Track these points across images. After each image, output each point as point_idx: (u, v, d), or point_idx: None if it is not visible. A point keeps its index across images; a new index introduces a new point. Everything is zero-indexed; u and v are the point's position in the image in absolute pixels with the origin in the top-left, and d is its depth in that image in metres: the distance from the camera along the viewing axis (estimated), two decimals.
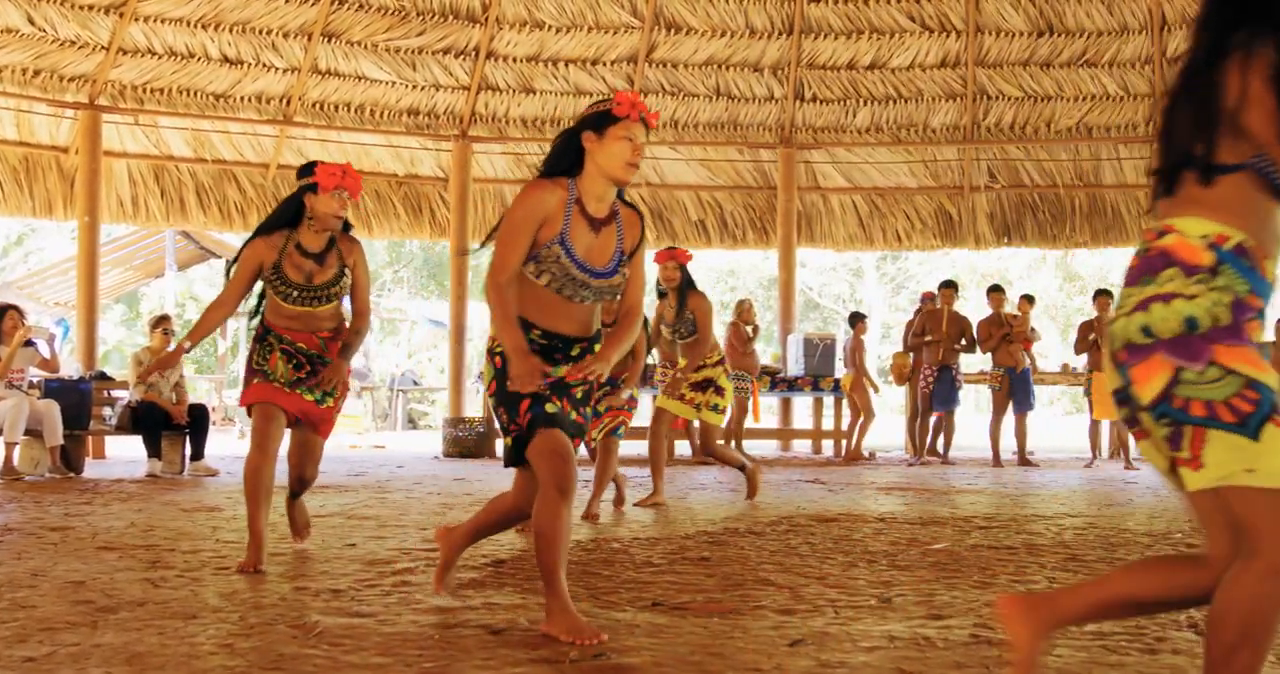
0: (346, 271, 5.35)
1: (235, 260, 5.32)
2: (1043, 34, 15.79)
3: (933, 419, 13.70)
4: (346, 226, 5.40)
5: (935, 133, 16.44)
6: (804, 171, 16.80)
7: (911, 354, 13.99)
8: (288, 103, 15.24)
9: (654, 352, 8.67)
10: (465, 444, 13.81)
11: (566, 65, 15.88)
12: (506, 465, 3.92)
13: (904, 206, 17.01)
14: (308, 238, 5.28)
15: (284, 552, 5.47)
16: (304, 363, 5.29)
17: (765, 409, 15.02)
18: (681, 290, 8.29)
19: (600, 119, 3.82)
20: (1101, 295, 13.63)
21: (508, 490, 4.10)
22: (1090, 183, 16.70)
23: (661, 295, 8.41)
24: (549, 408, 3.74)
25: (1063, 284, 40.46)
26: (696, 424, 10.29)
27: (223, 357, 28.00)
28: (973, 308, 18.80)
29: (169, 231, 22.41)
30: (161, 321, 11.15)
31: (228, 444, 16.13)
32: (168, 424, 10.76)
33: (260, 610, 4.05)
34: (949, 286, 13.77)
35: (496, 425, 4.31)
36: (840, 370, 14.64)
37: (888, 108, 16.34)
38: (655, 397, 8.74)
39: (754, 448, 15.03)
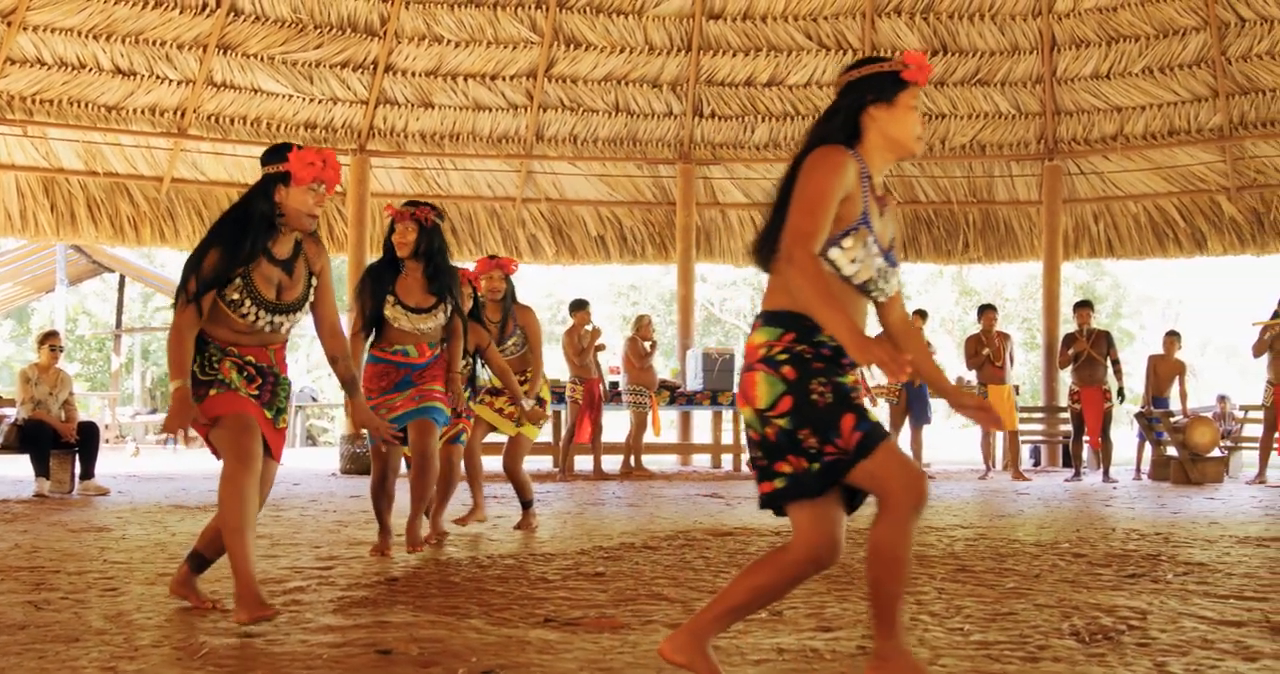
0: (314, 283, 4.51)
1: (196, 267, 4.30)
2: (936, 53, 16.06)
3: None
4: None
5: None
6: (703, 187, 16.92)
7: None
8: (182, 115, 15.04)
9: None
10: (363, 461, 13.67)
11: (465, 80, 15.85)
12: (784, 501, 3.05)
13: None
14: (275, 240, 4.41)
15: (174, 572, 5.37)
16: (254, 376, 4.41)
17: (666, 424, 15.08)
18: (506, 303, 7.56)
19: (888, 83, 3.23)
20: (988, 310, 13.87)
21: (781, 547, 3.14)
22: (983, 199, 17.01)
23: (481, 307, 7.33)
24: (872, 417, 3.04)
25: (959, 298, 41.07)
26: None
27: (116, 373, 27.48)
28: (872, 323, 18.98)
29: (60, 246, 22.02)
30: (49, 337, 10.93)
31: (119, 462, 15.84)
32: (56, 442, 10.53)
33: (145, 632, 3.99)
34: None
35: (765, 454, 3.08)
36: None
37: (785, 124, 16.51)
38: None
39: (653, 462, 15.07)
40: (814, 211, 3.01)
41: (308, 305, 4.50)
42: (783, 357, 3.06)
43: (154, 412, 27.97)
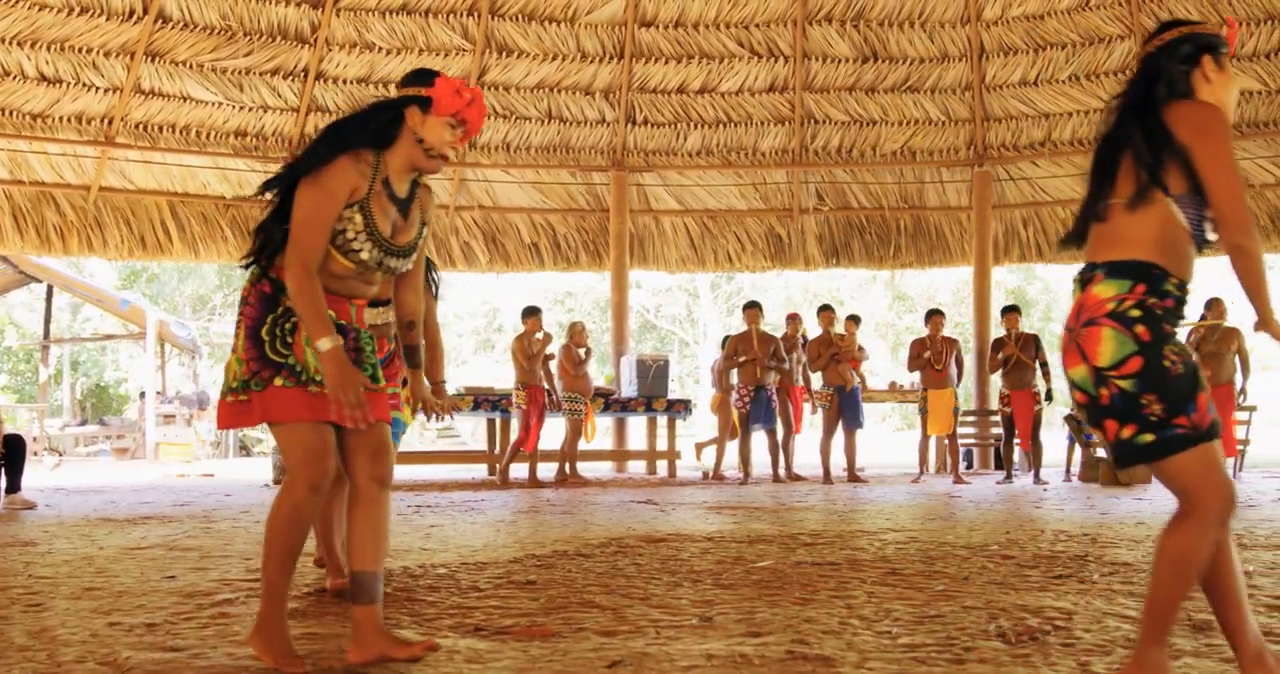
0: (425, 231, 3.86)
1: (310, 175, 3.58)
2: (867, 60, 16.20)
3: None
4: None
5: (764, 156, 16.74)
6: (636, 194, 16.95)
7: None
8: (109, 123, 14.87)
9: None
10: None
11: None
12: (1151, 458, 2.91)
13: (734, 229, 17.27)
14: (394, 173, 3.72)
15: (100, 586, 5.32)
16: None
17: (601, 430, 15.07)
18: None
19: (1218, 44, 3.15)
20: (935, 315, 13.99)
21: (1174, 516, 2.98)
22: (914, 205, 17.15)
23: None
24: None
25: (892, 303, 41.40)
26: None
27: (44, 385, 27.08)
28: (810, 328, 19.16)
29: None
30: None
31: (47, 476, 15.63)
32: None
33: (69, 648, 3.94)
34: (754, 307, 13.92)
35: (1089, 418, 3.00)
36: (675, 392, 14.75)
37: (718, 131, 16.59)
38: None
39: (588, 469, 15.07)
40: (1236, 162, 2.94)
41: (418, 258, 3.91)
42: (1136, 313, 2.91)
43: (84, 423, 27.60)
